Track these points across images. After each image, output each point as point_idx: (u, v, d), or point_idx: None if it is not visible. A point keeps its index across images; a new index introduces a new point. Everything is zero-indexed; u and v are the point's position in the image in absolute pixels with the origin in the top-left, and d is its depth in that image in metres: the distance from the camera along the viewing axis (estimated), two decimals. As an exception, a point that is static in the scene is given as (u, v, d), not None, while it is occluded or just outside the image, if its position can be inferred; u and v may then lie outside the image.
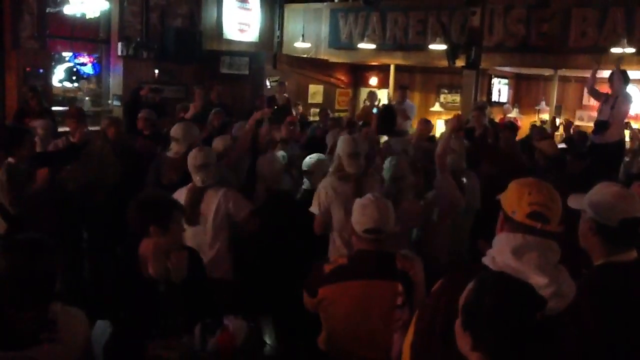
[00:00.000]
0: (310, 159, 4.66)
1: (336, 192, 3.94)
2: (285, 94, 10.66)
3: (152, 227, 2.61)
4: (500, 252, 1.84)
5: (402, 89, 10.38)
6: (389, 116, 6.67)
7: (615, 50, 8.61)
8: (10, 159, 4.26)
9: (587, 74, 11.27)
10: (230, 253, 3.91)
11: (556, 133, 9.92)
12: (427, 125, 7.03)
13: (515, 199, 1.95)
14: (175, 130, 4.56)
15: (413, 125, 10.24)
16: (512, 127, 6.79)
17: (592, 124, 7.89)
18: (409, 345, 1.94)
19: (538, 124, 11.86)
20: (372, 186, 3.88)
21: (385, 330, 2.63)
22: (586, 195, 2.26)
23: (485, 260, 1.87)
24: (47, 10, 9.14)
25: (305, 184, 4.66)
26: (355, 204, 2.81)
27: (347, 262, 2.74)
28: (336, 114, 11.28)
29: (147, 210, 2.63)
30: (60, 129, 6.74)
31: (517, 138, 7.35)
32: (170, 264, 2.60)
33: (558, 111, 11.99)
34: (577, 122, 11.97)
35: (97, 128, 7.31)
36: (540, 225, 1.88)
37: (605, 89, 7.46)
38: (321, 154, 4.86)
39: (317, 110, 12.56)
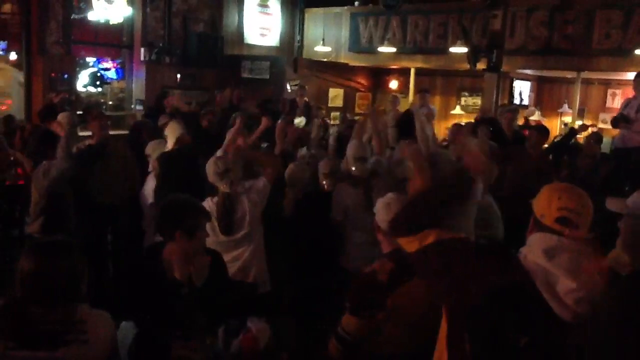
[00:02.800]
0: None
1: (348, 196, 4.08)
2: (305, 98, 10.71)
3: (179, 233, 2.62)
4: (532, 251, 1.84)
5: (422, 92, 10.35)
6: (407, 121, 6.66)
7: (639, 52, 8.49)
8: (45, 162, 4.46)
9: (611, 76, 11.21)
10: (265, 257, 3.95)
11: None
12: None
13: (545, 203, 1.96)
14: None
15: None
16: (543, 130, 6.67)
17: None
18: (444, 336, 1.96)
19: (560, 126, 11.78)
20: (380, 188, 3.95)
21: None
22: (630, 199, 2.26)
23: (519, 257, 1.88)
24: (72, 17, 9.30)
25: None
26: (378, 204, 2.82)
27: (394, 265, 2.63)
28: (356, 117, 11.28)
29: (174, 215, 2.65)
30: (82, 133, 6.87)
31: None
32: (193, 268, 2.62)
33: (581, 114, 11.86)
34: (600, 125, 11.83)
35: (122, 132, 7.43)
36: (568, 230, 1.87)
37: (629, 92, 7.32)
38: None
39: (337, 114, 12.59)
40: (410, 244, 2.06)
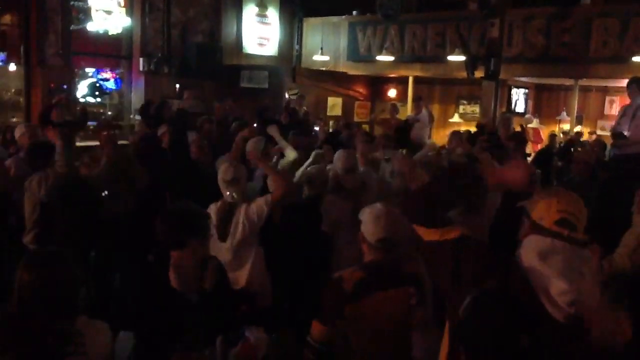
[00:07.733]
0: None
1: (337, 210, 4.05)
2: (304, 107, 10.73)
3: (192, 240, 2.59)
4: (527, 254, 1.86)
5: (416, 101, 10.41)
6: (403, 129, 6.71)
7: (636, 59, 8.52)
8: (39, 172, 4.44)
9: (609, 83, 11.25)
10: (263, 268, 3.93)
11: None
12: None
13: (544, 206, 1.98)
14: None
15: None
16: (519, 137, 6.62)
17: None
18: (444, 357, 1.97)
19: (559, 134, 11.81)
20: (368, 200, 3.91)
21: (407, 333, 2.62)
22: None
23: None
24: (71, 28, 9.34)
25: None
26: (366, 214, 2.71)
27: (364, 275, 2.61)
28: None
29: (187, 222, 2.62)
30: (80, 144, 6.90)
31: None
32: (203, 276, 2.61)
33: (579, 121, 11.91)
34: (598, 132, 11.87)
35: (122, 142, 7.43)
36: (567, 232, 1.89)
37: (626, 99, 7.32)
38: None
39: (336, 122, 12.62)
40: (431, 235, 2.06)
